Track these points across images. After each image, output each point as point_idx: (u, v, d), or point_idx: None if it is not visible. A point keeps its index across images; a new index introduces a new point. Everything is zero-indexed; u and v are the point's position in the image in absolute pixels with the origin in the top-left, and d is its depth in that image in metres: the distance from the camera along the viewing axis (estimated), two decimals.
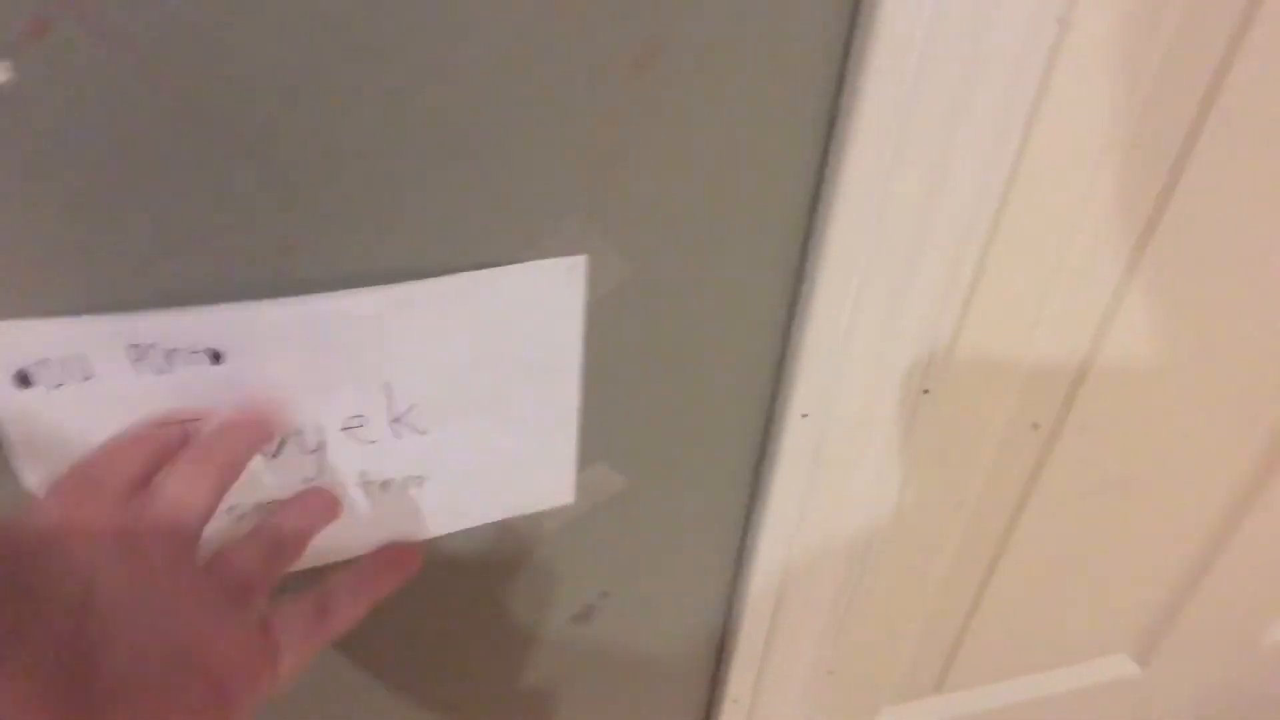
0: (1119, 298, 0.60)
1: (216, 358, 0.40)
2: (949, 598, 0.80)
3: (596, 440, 0.51)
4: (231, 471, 0.39)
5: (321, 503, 0.45)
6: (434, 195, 0.39)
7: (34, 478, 0.40)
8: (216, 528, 0.43)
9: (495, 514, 0.52)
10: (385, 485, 0.48)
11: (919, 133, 0.44)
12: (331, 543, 0.49)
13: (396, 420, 0.45)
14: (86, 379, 0.38)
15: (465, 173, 0.39)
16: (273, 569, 0.41)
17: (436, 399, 0.46)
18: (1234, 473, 0.82)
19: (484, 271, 0.42)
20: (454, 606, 0.57)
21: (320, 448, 0.45)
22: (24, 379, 0.38)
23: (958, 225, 0.49)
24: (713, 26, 0.39)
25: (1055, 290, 0.58)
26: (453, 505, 0.51)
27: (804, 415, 0.53)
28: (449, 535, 0.52)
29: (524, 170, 0.40)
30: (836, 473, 0.57)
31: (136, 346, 0.38)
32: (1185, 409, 0.72)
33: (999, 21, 0.42)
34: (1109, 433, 0.71)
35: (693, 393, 0.52)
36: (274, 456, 0.44)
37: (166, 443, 0.39)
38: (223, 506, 0.44)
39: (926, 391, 0.56)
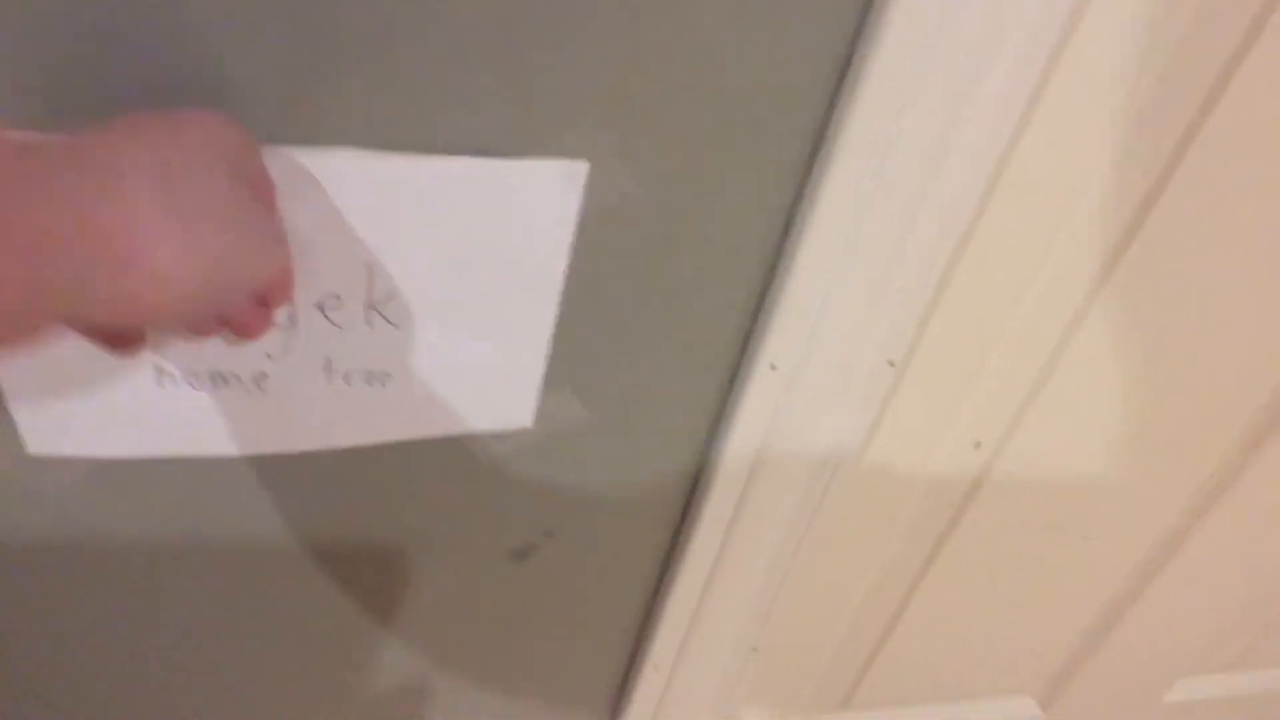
0: (1079, 319, 0.62)
1: None
2: (873, 607, 0.81)
3: (564, 366, 0.51)
4: None
5: None
6: (450, 72, 0.39)
7: None
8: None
9: (452, 427, 0.52)
10: (348, 376, 0.47)
11: (921, 106, 0.45)
12: (282, 432, 0.48)
13: (371, 307, 0.45)
14: None
15: (485, 58, 0.39)
16: None
17: (415, 292, 0.45)
18: (1159, 527, 0.84)
19: (485, 159, 0.42)
20: (390, 521, 0.56)
21: (290, 324, 0.44)
22: None
23: (941, 215, 0.50)
24: None
25: (1019, 307, 0.59)
26: (411, 411, 0.50)
27: (772, 367, 0.53)
28: (398, 445, 0.51)
29: (540, 66, 0.40)
30: (796, 432, 0.57)
31: None
32: (1124, 453, 0.74)
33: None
34: (1048, 464, 0.73)
35: (668, 331, 0.52)
36: None
37: None
38: (179, 371, 0.43)
39: (892, 364, 0.56)
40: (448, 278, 0.45)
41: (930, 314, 0.57)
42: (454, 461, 0.54)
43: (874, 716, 0.96)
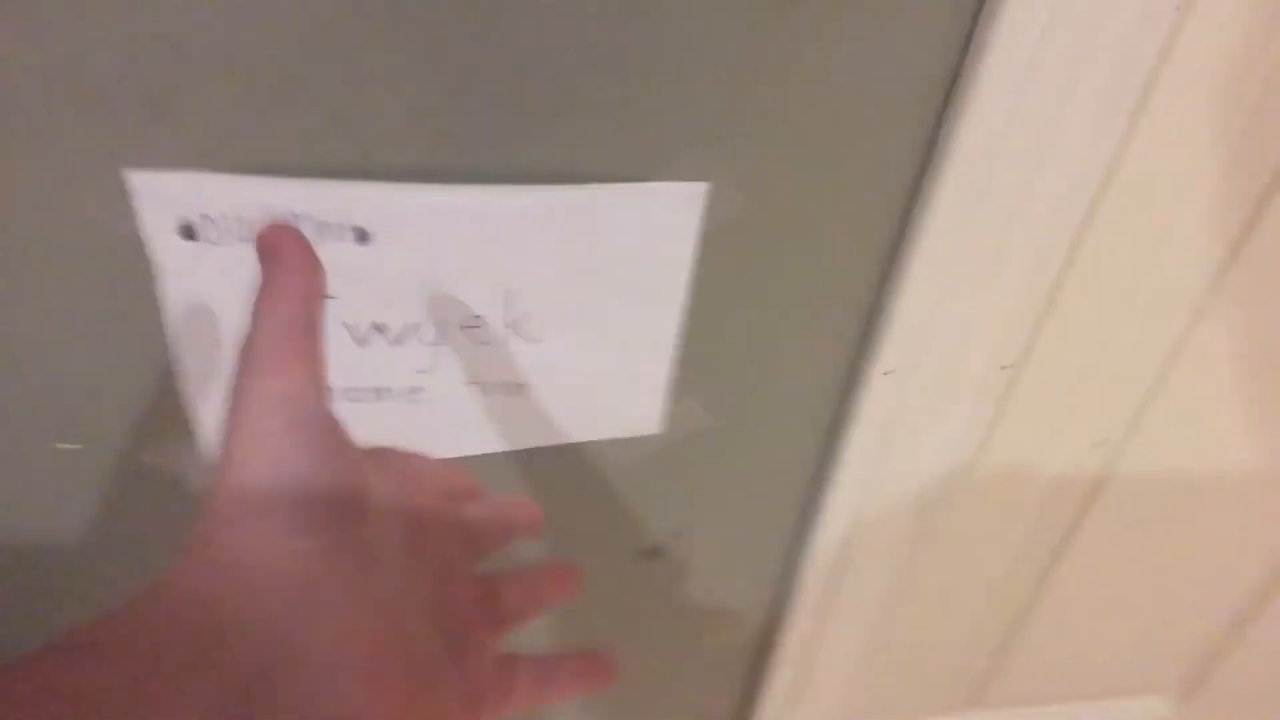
0: (1199, 315, 0.61)
1: (363, 238, 0.43)
2: (1001, 600, 0.81)
3: (688, 375, 0.54)
4: None
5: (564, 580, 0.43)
6: (578, 109, 0.43)
7: (184, 339, 0.44)
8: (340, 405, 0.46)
9: (585, 434, 0.55)
10: (489, 389, 0.51)
11: (1027, 115, 0.47)
12: (432, 440, 0.53)
13: (510, 326, 0.49)
14: (243, 241, 0.42)
15: (611, 92, 0.42)
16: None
17: (549, 311, 0.49)
18: None
19: (611, 185, 0.45)
20: None
21: (438, 343, 0.48)
22: (189, 231, 0.41)
23: (1050, 220, 0.52)
24: None
25: (1136, 303, 0.59)
26: (547, 419, 0.54)
27: (886, 373, 0.55)
28: (534, 453, 0.55)
29: (661, 95, 0.43)
30: (912, 435, 0.59)
31: (292, 216, 0.42)
32: (1253, 439, 0.73)
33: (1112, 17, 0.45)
34: (1173, 459, 0.72)
35: (785, 339, 0.54)
36: (397, 344, 0.47)
37: None
38: (344, 385, 0.48)
39: (1004, 368, 0.57)
40: (579, 296, 0.49)
41: (1045, 316, 0.58)
42: (588, 467, 0.57)
43: (1006, 714, 0.96)
